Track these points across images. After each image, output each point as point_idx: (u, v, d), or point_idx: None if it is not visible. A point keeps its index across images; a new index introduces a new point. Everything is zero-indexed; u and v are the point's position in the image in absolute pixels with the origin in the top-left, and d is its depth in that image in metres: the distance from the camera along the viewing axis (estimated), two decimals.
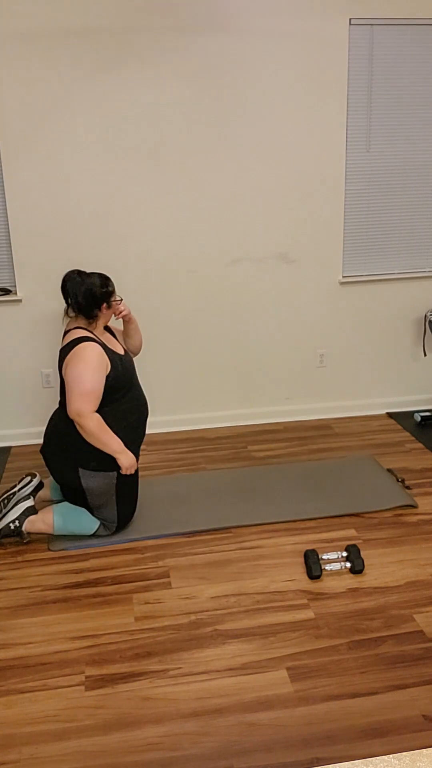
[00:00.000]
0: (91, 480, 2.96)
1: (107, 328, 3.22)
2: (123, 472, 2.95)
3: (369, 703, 2.12)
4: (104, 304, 3.00)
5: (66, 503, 3.09)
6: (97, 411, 2.88)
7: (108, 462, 2.95)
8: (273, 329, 4.29)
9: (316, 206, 4.12)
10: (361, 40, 3.90)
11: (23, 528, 3.03)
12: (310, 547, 2.99)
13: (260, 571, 2.82)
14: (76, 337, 2.91)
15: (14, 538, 3.11)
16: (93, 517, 3.06)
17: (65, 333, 3.03)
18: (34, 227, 3.89)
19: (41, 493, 3.26)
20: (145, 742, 2.01)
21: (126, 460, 2.94)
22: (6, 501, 3.09)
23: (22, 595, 2.71)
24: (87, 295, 2.95)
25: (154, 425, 4.32)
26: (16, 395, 4.17)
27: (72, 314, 3.07)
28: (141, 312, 4.12)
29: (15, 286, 4.00)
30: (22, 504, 3.07)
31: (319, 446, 4.06)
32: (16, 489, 3.12)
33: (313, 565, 2.74)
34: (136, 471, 3.07)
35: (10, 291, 3.99)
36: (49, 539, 3.07)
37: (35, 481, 3.15)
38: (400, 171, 4.16)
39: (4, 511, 3.06)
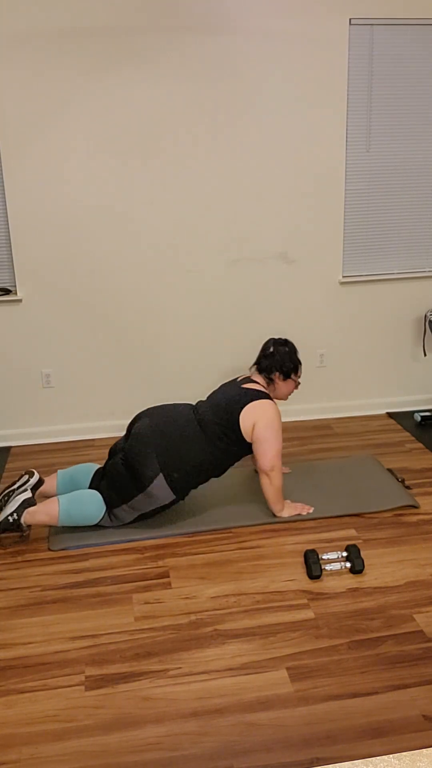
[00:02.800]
0: (158, 487, 3.01)
1: None
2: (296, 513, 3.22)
3: (369, 703, 2.12)
4: (293, 373, 3.25)
5: (74, 493, 3.09)
6: (228, 441, 3.12)
7: (185, 486, 3.06)
8: (273, 329, 4.29)
9: (316, 206, 4.12)
10: (361, 40, 3.90)
11: (22, 520, 3.02)
12: (310, 547, 2.98)
13: (260, 571, 2.82)
14: (259, 390, 3.17)
15: (15, 534, 3.11)
16: (100, 505, 3.06)
17: (245, 380, 3.23)
18: (34, 227, 3.89)
19: (43, 489, 3.25)
20: (145, 742, 2.01)
21: (288, 513, 3.21)
22: (6, 498, 3.08)
23: (22, 595, 2.71)
24: (281, 358, 3.23)
25: None
26: (16, 395, 4.17)
27: (254, 370, 3.31)
28: (141, 312, 4.12)
29: (15, 286, 4.00)
30: (19, 497, 3.07)
31: (319, 446, 4.06)
32: (14, 487, 3.12)
33: (313, 565, 2.74)
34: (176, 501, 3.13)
35: (10, 291, 3.99)
36: (50, 539, 3.07)
37: (33, 479, 3.15)
38: (400, 171, 4.16)
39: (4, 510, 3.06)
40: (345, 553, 2.81)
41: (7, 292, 3.98)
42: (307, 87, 3.91)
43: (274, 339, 3.31)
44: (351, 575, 2.76)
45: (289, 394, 3.31)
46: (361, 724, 2.04)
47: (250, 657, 2.33)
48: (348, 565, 2.77)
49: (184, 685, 2.22)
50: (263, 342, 4.28)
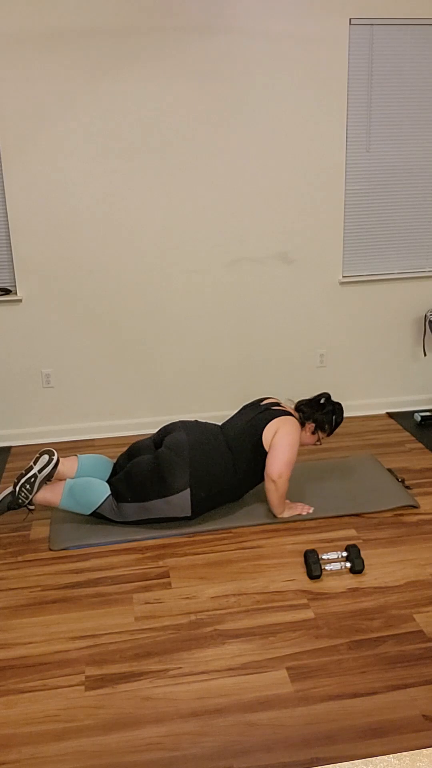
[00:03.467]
0: (181, 499, 3.03)
1: None
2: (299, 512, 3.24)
3: (369, 703, 2.12)
4: (318, 427, 3.26)
5: (84, 479, 3.09)
6: (253, 475, 3.19)
7: (202, 507, 3.10)
8: (273, 329, 4.29)
9: (316, 206, 4.12)
10: (361, 40, 3.90)
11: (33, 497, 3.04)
12: (310, 547, 2.98)
13: (260, 571, 2.82)
14: (289, 411, 3.24)
15: (20, 511, 3.12)
16: (103, 488, 3.06)
17: (271, 402, 3.29)
18: (34, 227, 3.89)
19: (60, 470, 3.18)
20: (145, 742, 2.01)
21: (290, 513, 3.22)
22: (30, 484, 3.03)
23: (22, 595, 2.71)
24: (318, 409, 3.28)
25: (154, 425, 4.32)
26: (16, 395, 4.17)
27: (290, 404, 3.46)
28: (141, 312, 4.12)
29: (15, 286, 4.00)
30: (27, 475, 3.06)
31: (319, 446, 4.06)
32: (35, 470, 3.04)
33: (313, 565, 2.74)
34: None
35: (10, 291, 3.99)
36: (51, 539, 3.07)
37: (54, 459, 3.08)
38: (400, 171, 4.16)
39: (30, 496, 3.04)
40: (345, 553, 2.81)
41: (7, 292, 3.98)
42: (307, 87, 3.91)
43: (329, 395, 3.33)
44: (351, 575, 2.76)
45: (305, 446, 3.35)
46: (361, 724, 2.04)
47: (250, 657, 2.33)
48: (348, 565, 2.77)
49: (184, 685, 2.22)
50: (262, 342, 4.30)
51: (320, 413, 3.25)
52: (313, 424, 3.25)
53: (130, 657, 2.35)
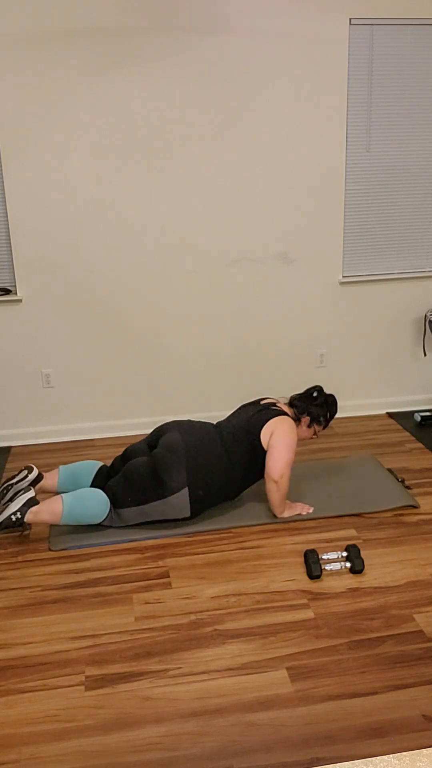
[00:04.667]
0: (179, 499, 3.04)
1: None
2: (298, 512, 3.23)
3: (369, 703, 2.12)
4: (313, 421, 3.27)
5: (78, 490, 3.09)
6: (250, 473, 3.21)
7: (202, 505, 3.10)
8: (273, 329, 4.29)
9: (316, 206, 4.12)
10: (361, 40, 3.90)
11: (25, 519, 3.02)
12: (310, 547, 2.98)
13: (260, 571, 2.82)
14: (284, 410, 3.23)
15: (15, 531, 3.12)
16: (104, 505, 3.05)
17: (267, 403, 3.28)
18: (34, 227, 3.89)
19: (43, 485, 3.25)
20: (145, 742, 2.01)
21: (290, 513, 3.22)
22: (4, 492, 3.08)
23: (22, 595, 2.71)
24: (313, 404, 3.29)
25: (154, 425, 4.32)
26: (16, 395, 4.17)
27: (283, 401, 3.37)
28: (141, 312, 4.12)
29: (15, 286, 4.00)
30: (23, 496, 3.06)
31: (319, 446, 4.06)
32: (13, 481, 3.11)
33: (313, 565, 2.74)
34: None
35: (10, 291, 3.99)
36: (50, 539, 3.07)
37: (32, 475, 3.16)
38: (400, 171, 4.16)
39: (2, 502, 3.06)
40: (345, 553, 2.81)
41: (7, 292, 3.98)
42: (307, 87, 3.91)
43: (321, 387, 3.34)
44: (351, 575, 2.76)
45: (306, 441, 3.33)
46: (361, 724, 2.04)
47: (250, 657, 2.33)
48: (348, 565, 2.77)
49: (184, 685, 2.22)
50: (262, 342, 4.30)
51: (314, 406, 3.26)
52: (308, 418, 3.25)
53: (130, 657, 2.35)
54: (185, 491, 3.02)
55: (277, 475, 3.07)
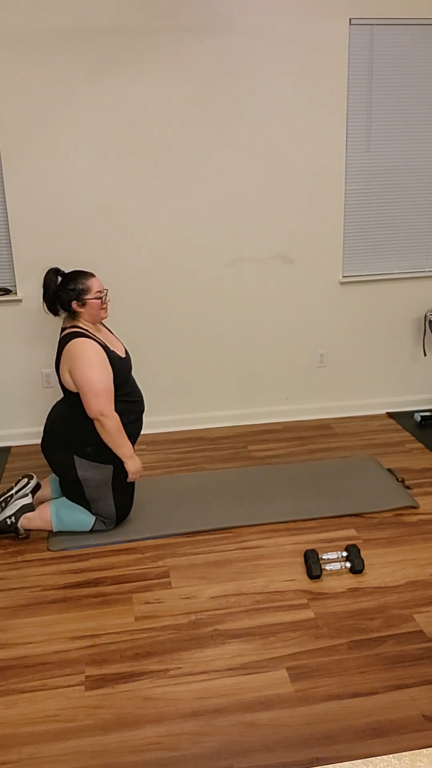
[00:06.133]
0: (87, 470, 2.99)
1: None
2: (130, 478, 3.03)
3: (369, 703, 2.12)
4: (74, 302, 2.97)
5: (63, 499, 3.11)
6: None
7: (105, 453, 2.97)
8: (273, 329, 4.29)
9: (316, 206, 4.12)
10: (361, 40, 3.90)
11: (19, 524, 3.04)
12: (310, 547, 2.98)
13: (260, 571, 2.82)
14: (69, 332, 2.96)
15: (12, 535, 3.11)
16: (89, 513, 3.07)
17: (62, 331, 3.05)
18: (34, 227, 3.89)
19: (40, 494, 3.27)
20: (145, 742, 2.01)
21: (134, 465, 3.01)
22: (3, 504, 3.10)
23: (22, 595, 2.71)
24: (55, 294, 2.99)
25: (154, 425, 4.32)
26: (16, 395, 4.17)
27: (63, 316, 3.09)
28: (141, 312, 4.12)
29: (15, 286, 4.00)
30: (19, 501, 3.09)
31: (319, 446, 4.06)
32: (13, 491, 3.13)
33: (313, 565, 2.74)
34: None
35: (10, 291, 3.99)
36: (49, 539, 3.07)
37: (32, 483, 3.17)
38: (400, 171, 4.16)
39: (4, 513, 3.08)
40: (345, 553, 2.81)
41: (7, 292, 3.98)
42: (307, 87, 3.91)
43: (49, 272, 3.00)
44: (351, 575, 2.76)
45: (104, 310, 3.01)
46: (361, 724, 2.04)
47: (250, 657, 2.33)
48: (348, 565, 2.77)
49: (184, 685, 2.22)
50: (262, 342, 4.30)
51: (60, 297, 2.95)
52: (71, 304, 2.95)
53: (130, 657, 2.35)
54: (76, 459, 2.98)
55: (96, 414, 2.85)
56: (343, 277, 4.28)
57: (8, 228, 3.88)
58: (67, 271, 3.04)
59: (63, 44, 3.64)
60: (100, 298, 2.99)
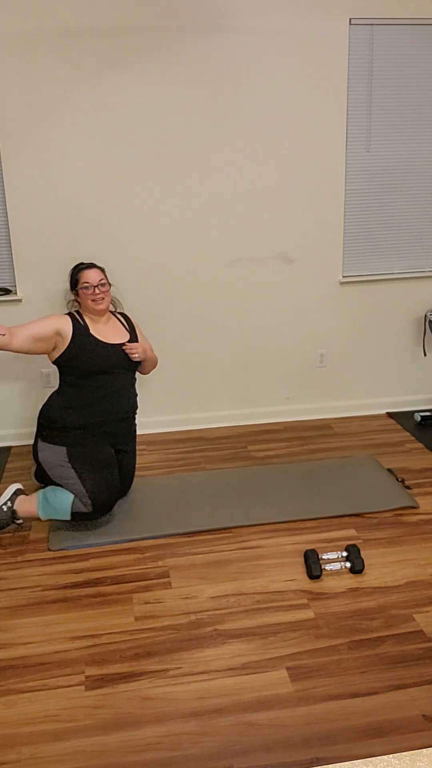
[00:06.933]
0: (43, 452, 3.17)
1: (126, 317, 3.51)
2: None
3: (369, 703, 2.12)
4: (72, 291, 3.39)
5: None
6: (60, 380, 3.26)
7: (56, 435, 3.15)
8: (273, 329, 4.29)
9: (316, 206, 4.12)
10: (361, 40, 3.90)
11: (15, 507, 3.12)
12: (310, 547, 2.98)
13: (260, 571, 2.82)
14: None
15: (11, 528, 3.12)
16: (67, 491, 3.09)
17: None
18: (34, 227, 3.89)
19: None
20: (145, 742, 2.01)
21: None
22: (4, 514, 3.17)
23: (22, 595, 2.71)
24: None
25: (154, 425, 4.32)
26: (16, 395, 4.17)
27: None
28: (141, 311, 4.12)
29: (15, 286, 4.00)
30: (9, 487, 3.20)
31: (319, 446, 4.06)
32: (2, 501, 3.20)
33: (313, 565, 2.74)
34: (91, 443, 3.15)
35: (10, 291, 3.99)
36: (50, 539, 3.07)
37: (17, 485, 3.28)
38: (400, 171, 4.16)
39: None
40: (345, 553, 2.81)
41: (7, 292, 3.98)
42: (307, 87, 3.91)
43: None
44: (351, 575, 2.76)
45: (96, 303, 3.28)
46: (361, 724, 2.04)
47: (250, 657, 2.33)
48: (348, 565, 2.77)
49: (184, 685, 2.22)
50: (262, 342, 4.30)
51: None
52: (71, 296, 3.43)
53: (130, 657, 2.35)
54: (40, 445, 3.18)
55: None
56: (343, 277, 4.28)
57: (8, 228, 3.88)
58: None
59: (63, 44, 3.64)
60: (87, 289, 3.26)
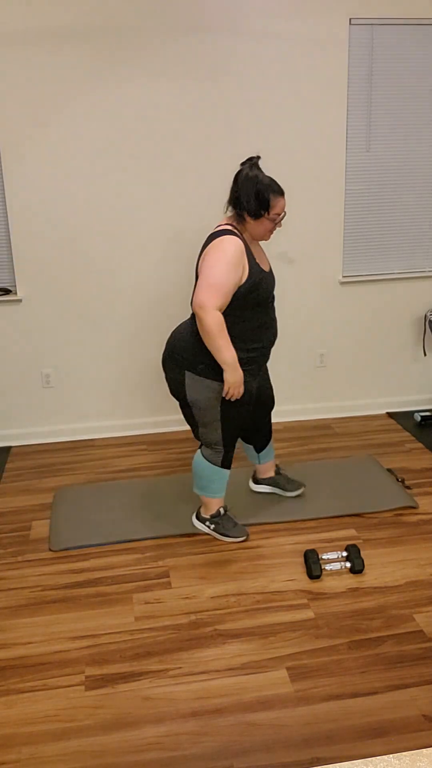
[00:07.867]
0: (195, 389, 2.81)
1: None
2: (225, 389, 2.75)
3: (369, 703, 2.12)
4: (250, 212, 2.73)
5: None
6: (224, 317, 2.73)
7: (217, 370, 2.76)
8: None
9: (316, 206, 4.12)
10: (361, 40, 3.90)
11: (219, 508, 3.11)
12: (310, 547, 2.99)
13: (260, 571, 2.82)
14: (221, 228, 2.73)
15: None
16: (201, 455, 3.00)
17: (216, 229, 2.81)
18: (34, 227, 3.89)
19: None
20: (145, 742, 2.01)
21: (233, 376, 2.72)
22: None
23: (22, 595, 2.71)
24: (239, 191, 2.74)
25: (154, 425, 4.33)
26: (16, 395, 4.17)
27: (228, 212, 2.85)
28: (141, 312, 4.12)
29: (15, 286, 4.00)
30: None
31: (319, 446, 4.06)
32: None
33: (313, 565, 2.74)
34: (247, 392, 2.86)
35: (10, 291, 3.99)
36: (50, 539, 3.07)
37: None
38: (400, 171, 4.16)
39: None
40: (345, 553, 2.81)
41: (7, 292, 3.98)
42: (307, 87, 3.91)
43: (246, 163, 2.76)
44: (351, 575, 2.76)
45: (270, 233, 2.81)
46: (361, 724, 2.04)
47: (250, 657, 2.33)
48: (348, 565, 2.77)
49: (184, 685, 2.22)
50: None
51: (242, 196, 2.69)
52: (247, 213, 2.71)
53: (130, 657, 2.35)
54: (192, 378, 2.80)
55: (196, 305, 2.63)
56: (343, 277, 4.28)
57: (8, 228, 3.88)
58: (265, 175, 2.76)
59: (63, 44, 3.64)
60: (275, 220, 2.76)
